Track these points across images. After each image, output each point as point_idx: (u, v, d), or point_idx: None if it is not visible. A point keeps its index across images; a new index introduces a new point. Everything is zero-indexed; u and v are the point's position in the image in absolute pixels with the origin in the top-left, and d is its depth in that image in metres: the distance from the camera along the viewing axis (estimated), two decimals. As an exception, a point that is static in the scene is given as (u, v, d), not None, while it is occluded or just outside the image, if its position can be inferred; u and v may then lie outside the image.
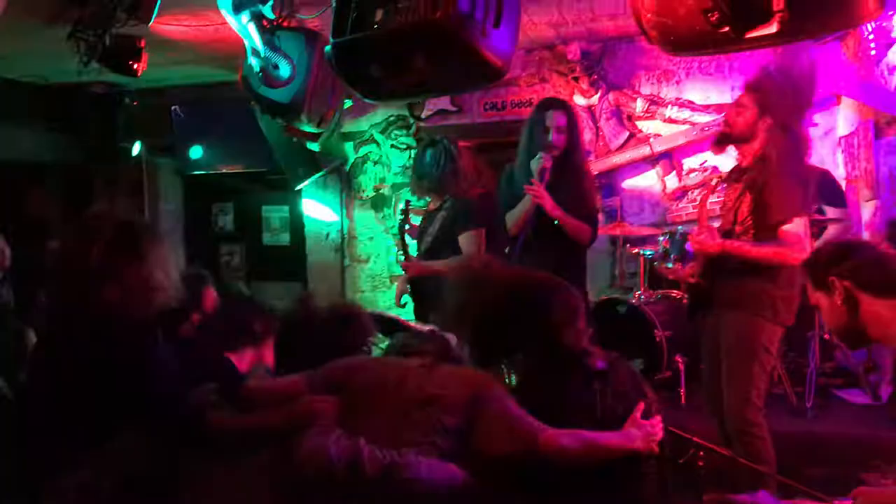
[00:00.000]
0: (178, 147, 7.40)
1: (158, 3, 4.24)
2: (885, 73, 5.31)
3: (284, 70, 3.70)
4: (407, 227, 4.48)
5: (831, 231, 4.98)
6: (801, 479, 2.77)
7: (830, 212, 4.95)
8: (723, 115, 3.84)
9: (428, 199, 4.46)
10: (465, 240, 4.16)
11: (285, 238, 7.54)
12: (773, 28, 2.40)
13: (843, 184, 5.46)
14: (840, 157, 5.77)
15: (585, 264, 4.20)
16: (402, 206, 4.63)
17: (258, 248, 7.74)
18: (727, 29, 2.45)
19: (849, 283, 2.19)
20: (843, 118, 5.78)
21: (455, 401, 2.23)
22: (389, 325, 3.48)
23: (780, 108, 3.39)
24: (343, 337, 2.85)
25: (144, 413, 2.20)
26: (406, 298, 4.51)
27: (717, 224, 3.50)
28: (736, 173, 3.55)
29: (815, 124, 5.79)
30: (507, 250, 4.02)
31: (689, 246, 4.78)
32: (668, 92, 6.24)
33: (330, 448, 2.12)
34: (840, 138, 5.79)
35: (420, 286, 4.37)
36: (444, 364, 2.43)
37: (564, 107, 4.16)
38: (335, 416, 2.24)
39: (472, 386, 2.27)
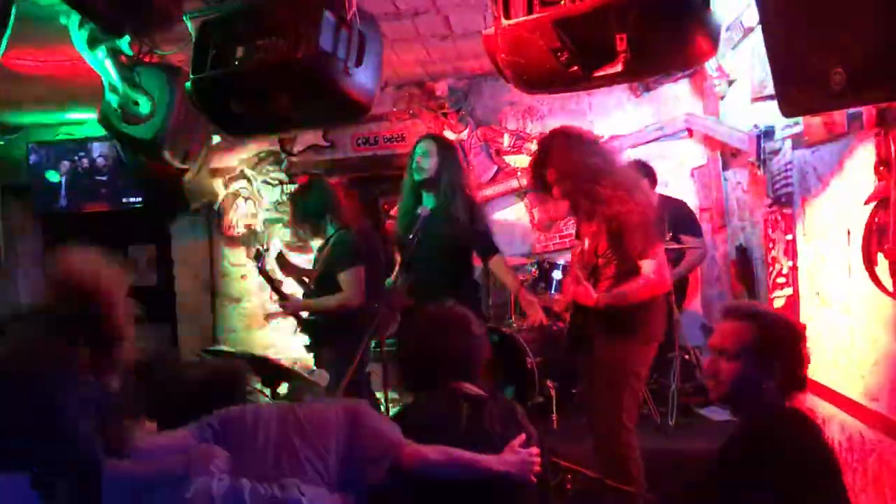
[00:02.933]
0: (37, 186, 7.02)
1: (6, 38, 4.03)
2: (726, 108, 5.69)
3: (144, 106, 3.59)
4: (269, 266, 4.51)
5: (689, 258, 5.25)
6: (666, 496, 2.87)
7: (688, 240, 5.21)
8: None
9: (310, 238, 4.54)
10: (343, 278, 4.24)
11: (152, 279, 7.25)
12: (618, 67, 2.53)
13: (697, 213, 5.76)
14: (693, 187, 6.09)
15: (477, 284, 4.49)
16: (255, 251, 4.69)
17: (124, 289, 7.40)
18: (576, 68, 2.56)
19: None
20: (694, 151, 6.11)
21: (331, 426, 2.39)
22: (266, 369, 3.43)
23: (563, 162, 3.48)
24: (216, 391, 2.82)
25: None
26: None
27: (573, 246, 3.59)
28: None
29: (668, 157, 6.09)
30: (394, 276, 4.08)
31: (555, 275, 4.95)
32: (533, 127, 6.44)
33: (213, 489, 2.24)
34: (692, 170, 6.11)
35: (310, 324, 4.43)
36: (320, 399, 2.65)
37: (431, 137, 4.48)
38: (225, 461, 2.34)
39: (346, 410, 2.45)
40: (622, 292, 3.34)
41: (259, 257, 4.57)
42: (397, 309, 4.31)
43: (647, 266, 3.35)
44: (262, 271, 4.53)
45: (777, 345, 2.24)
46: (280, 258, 4.73)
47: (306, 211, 4.40)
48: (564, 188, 3.45)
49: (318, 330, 4.40)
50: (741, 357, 2.23)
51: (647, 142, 6.15)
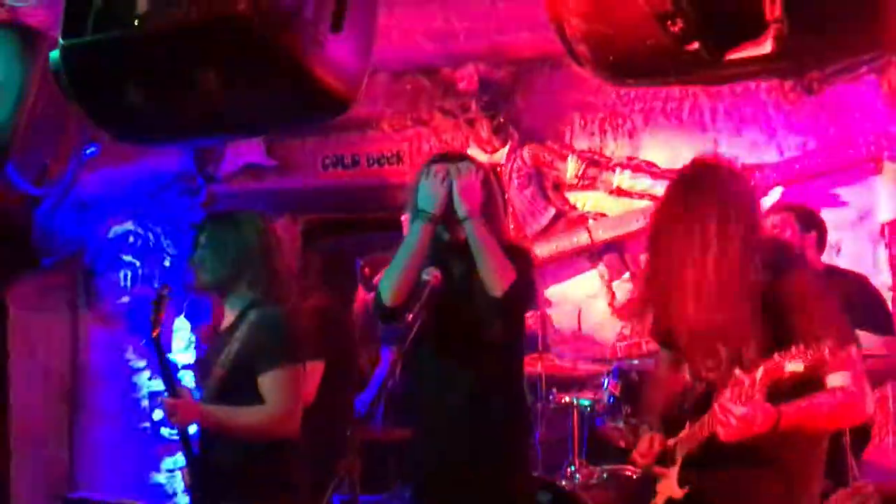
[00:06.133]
0: None
1: None
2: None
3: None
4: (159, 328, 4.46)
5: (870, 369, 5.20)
6: None
7: (866, 339, 5.16)
8: None
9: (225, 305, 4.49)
10: (268, 383, 4.19)
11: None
12: (765, 47, 2.54)
13: (888, 297, 5.74)
14: (883, 255, 6.10)
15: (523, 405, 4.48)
16: (157, 293, 4.62)
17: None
18: (696, 46, 2.58)
19: None
20: (885, 195, 6.14)
21: None
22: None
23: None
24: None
25: None
26: None
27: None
28: None
29: (843, 203, 6.11)
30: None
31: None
32: (616, 147, 6.50)
33: None
34: (882, 226, 6.12)
35: (206, 457, 4.33)
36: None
37: (463, 160, 4.44)
38: None
39: None
40: (815, 406, 3.31)
41: (159, 305, 4.52)
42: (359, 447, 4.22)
43: (837, 373, 3.34)
44: (156, 343, 4.46)
45: None
46: (160, 355, 4.65)
47: (219, 260, 4.39)
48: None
49: (219, 474, 4.33)
50: None
51: (809, 177, 6.17)
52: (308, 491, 3.94)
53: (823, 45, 2.71)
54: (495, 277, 4.19)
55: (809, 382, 3.28)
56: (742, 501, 3.46)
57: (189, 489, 4.42)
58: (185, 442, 4.32)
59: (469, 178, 4.33)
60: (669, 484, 3.56)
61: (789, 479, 3.43)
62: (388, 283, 4.32)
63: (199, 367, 4.49)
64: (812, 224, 5.03)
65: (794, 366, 3.12)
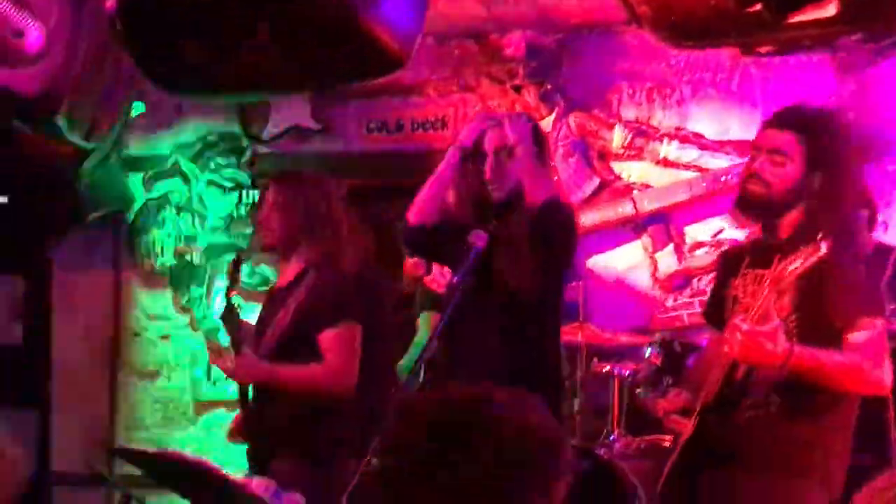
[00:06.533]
0: None
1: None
2: None
3: (33, 39, 3.66)
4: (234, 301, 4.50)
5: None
6: None
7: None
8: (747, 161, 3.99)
9: (273, 270, 4.54)
10: (328, 340, 4.30)
11: (13, 332, 7.30)
12: (828, 10, 2.52)
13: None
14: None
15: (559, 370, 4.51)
16: (230, 265, 4.65)
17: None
18: (759, 7, 2.56)
19: None
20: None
21: None
22: (202, 485, 3.43)
23: (837, 159, 3.57)
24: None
25: None
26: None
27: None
28: (760, 252, 3.66)
29: (892, 180, 6.05)
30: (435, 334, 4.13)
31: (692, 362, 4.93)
32: (664, 118, 6.46)
33: None
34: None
35: (262, 413, 4.42)
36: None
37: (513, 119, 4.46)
38: None
39: None
40: (828, 357, 3.35)
41: (235, 272, 4.57)
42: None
43: (856, 343, 3.37)
44: (230, 312, 4.51)
45: None
46: (230, 315, 4.70)
47: (285, 220, 4.43)
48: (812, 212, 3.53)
49: (275, 429, 4.41)
50: None
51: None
52: (355, 450, 3.96)
53: (888, 10, 2.69)
54: (536, 187, 4.24)
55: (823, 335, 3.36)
56: (756, 446, 3.47)
57: (246, 442, 4.54)
58: (243, 398, 4.46)
59: (520, 119, 4.44)
60: (686, 430, 3.62)
61: (808, 425, 3.44)
62: (414, 202, 4.43)
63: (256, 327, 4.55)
64: (864, 203, 5.01)
65: (795, 265, 3.23)
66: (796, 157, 3.52)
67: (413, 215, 4.40)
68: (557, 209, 4.30)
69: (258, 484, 3.54)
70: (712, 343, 3.93)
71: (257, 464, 4.44)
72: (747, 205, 3.65)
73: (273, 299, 4.62)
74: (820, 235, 3.21)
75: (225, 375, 4.61)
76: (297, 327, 4.38)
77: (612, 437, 5.47)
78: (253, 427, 4.49)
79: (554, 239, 4.30)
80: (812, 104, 3.88)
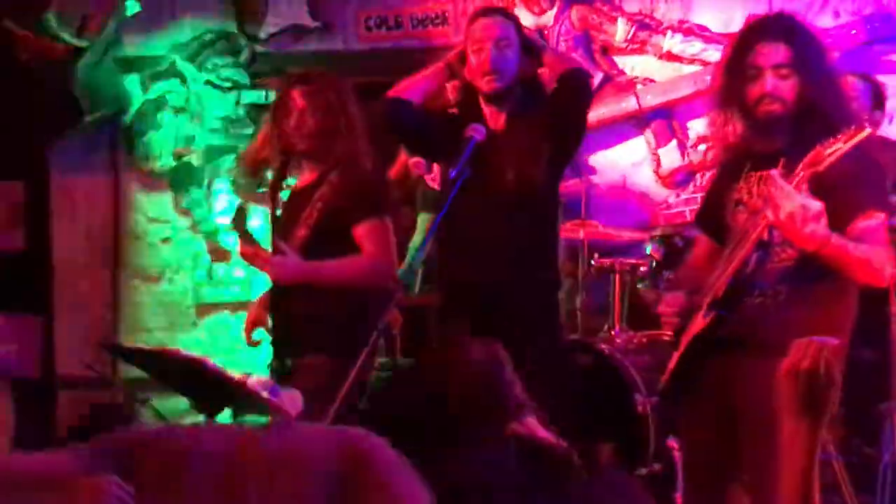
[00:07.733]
0: None
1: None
2: None
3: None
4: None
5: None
6: None
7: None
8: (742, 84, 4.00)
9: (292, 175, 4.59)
10: (365, 232, 4.33)
11: (14, 238, 7.32)
12: None
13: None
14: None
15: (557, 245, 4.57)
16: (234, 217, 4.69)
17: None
18: None
19: None
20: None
21: (320, 464, 2.45)
22: (202, 383, 3.47)
23: (823, 59, 3.61)
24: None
25: None
26: (261, 334, 4.62)
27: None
28: (762, 157, 3.66)
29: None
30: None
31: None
32: (667, 10, 6.41)
33: None
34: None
35: (290, 309, 4.44)
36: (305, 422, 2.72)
37: (504, 14, 4.45)
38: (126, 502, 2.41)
39: (347, 444, 2.50)
40: (856, 246, 3.34)
41: (241, 223, 4.60)
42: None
43: (864, 230, 3.38)
44: (245, 236, 4.55)
45: None
46: (239, 217, 4.73)
47: (311, 121, 4.43)
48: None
49: (315, 324, 4.40)
50: None
51: (865, 43, 6.11)
52: (359, 332, 4.00)
53: None
54: (558, 59, 4.49)
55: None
56: (764, 331, 3.48)
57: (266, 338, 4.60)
58: (275, 296, 4.53)
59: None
60: (693, 324, 3.64)
61: (818, 313, 3.46)
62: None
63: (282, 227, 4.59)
64: (873, 93, 5.00)
65: (834, 148, 3.20)
66: (795, 66, 3.54)
67: (393, 90, 4.50)
68: (580, 74, 4.40)
69: (256, 380, 3.59)
70: (701, 246, 3.95)
71: (280, 360, 4.50)
72: (767, 129, 3.64)
73: (295, 199, 4.62)
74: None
75: (269, 277, 4.60)
76: (327, 223, 4.40)
77: (614, 332, 5.52)
78: (281, 325, 4.54)
79: (579, 105, 4.41)
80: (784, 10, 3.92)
